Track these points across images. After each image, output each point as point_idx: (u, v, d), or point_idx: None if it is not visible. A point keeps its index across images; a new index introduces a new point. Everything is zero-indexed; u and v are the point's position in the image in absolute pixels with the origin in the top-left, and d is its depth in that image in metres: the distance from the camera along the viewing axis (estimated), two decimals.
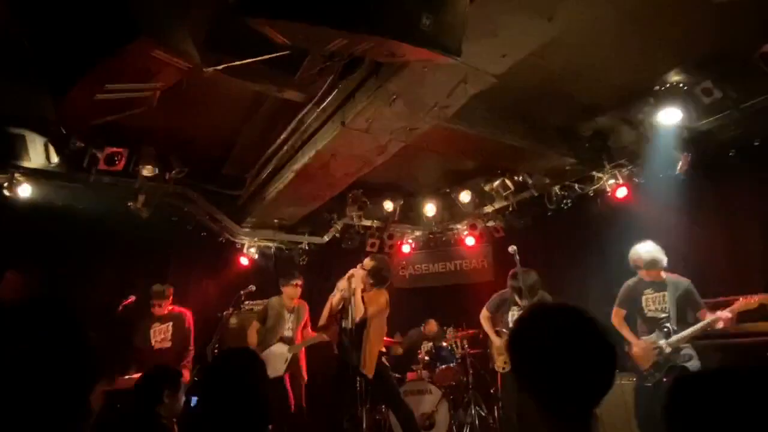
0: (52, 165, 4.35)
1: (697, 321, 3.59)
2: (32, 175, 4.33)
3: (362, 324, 3.96)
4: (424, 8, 1.99)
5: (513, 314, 4.54)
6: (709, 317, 3.52)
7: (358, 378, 3.79)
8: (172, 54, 2.16)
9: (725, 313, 3.45)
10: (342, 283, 4.04)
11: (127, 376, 4.15)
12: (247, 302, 5.05)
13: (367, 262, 4.18)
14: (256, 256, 5.77)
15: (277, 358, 4.65)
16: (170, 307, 4.62)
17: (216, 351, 4.17)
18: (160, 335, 4.55)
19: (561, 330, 1.02)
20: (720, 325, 3.47)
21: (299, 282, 4.95)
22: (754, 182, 4.34)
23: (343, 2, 1.83)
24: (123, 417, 2.42)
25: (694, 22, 3.36)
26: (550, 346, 1.00)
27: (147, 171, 4.62)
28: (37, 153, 4.19)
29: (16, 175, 4.25)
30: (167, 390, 2.48)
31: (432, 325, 6.14)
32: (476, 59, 2.85)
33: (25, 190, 4.29)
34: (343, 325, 4.00)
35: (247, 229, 5.66)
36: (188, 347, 4.57)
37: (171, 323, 4.59)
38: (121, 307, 4.33)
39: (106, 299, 4.57)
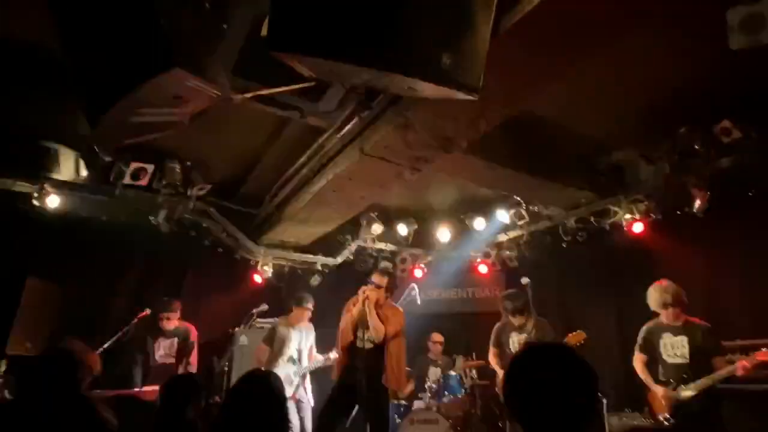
0: (81, 178, 4.52)
1: (713, 367, 3.49)
2: (61, 186, 4.50)
3: (382, 344, 3.93)
4: (445, 48, 2.07)
5: (512, 339, 4.53)
6: (727, 367, 3.42)
7: (364, 398, 3.79)
8: (204, 83, 2.27)
9: (744, 363, 3.35)
10: (356, 304, 4.03)
11: (136, 389, 4.20)
12: (258, 320, 5.07)
13: (380, 278, 4.12)
14: (270, 275, 5.83)
15: (284, 380, 4.64)
16: (177, 323, 4.63)
17: (226, 369, 4.20)
18: (164, 350, 4.56)
19: (547, 367, 1.15)
20: (739, 373, 3.39)
21: (310, 306, 4.93)
22: None
23: (368, 42, 1.92)
24: (157, 428, 2.43)
25: (712, 60, 3.39)
26: (537, 380, 1.13)
27: (170, 187, 4.77)
28: (68, 166, 4.36)
29: (46, 185, 4.43)
30: (192, 402, 2.53)
31: (437, 338, 6.09)
32: (494, 95, 2.91)
33: (53, 201, 4.46)
34: (358, 345, 3.98)
35: (262, 248, 5.75)
36: (189, 362, 4.55)
37: (176, 338, 4.60)
38: (136, 320, 4.41)
39: (123, 310, 4.66)
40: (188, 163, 4.81)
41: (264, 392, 1.70)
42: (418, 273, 6.87)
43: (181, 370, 4.43)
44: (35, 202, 4.40)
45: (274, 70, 2.86)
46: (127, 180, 4.55)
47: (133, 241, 5.19)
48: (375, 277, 4.14)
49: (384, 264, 6.27)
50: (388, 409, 4.05)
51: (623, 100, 3.87)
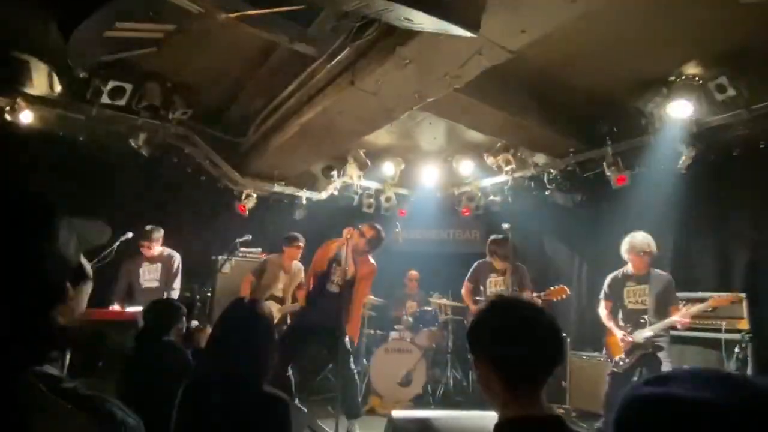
0: (55, 94, 4.30)
1: (669, 315, 3.73)
2: (34, 102, 4.29)
3: (349, 286, 4.02)
4: None
5: (491, 280, 4.68)
6: (673, 316, 3.68)
7: (326, 337, 3.93)
8: None
9: (683, 320, 3.62)
10: (336, 243, 4.09)
11: (111, 308, 4.28)
12: (242, 250, 5.12)
13: (368, 229, 4.13)
14: (253, 205, 5.81)
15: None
16: (160, 249, 4.65)
17: (208, 295, 4.29)
18: (149, 275, 4.62)
19: (513, 314, 1.21)
20: (678, 325, 3.67)
21: (301, 244, 4.93)
22: (754, 184, 4.37)
23: None
24: (138, 347, 2.52)
25: (718, 16, 3.29)
26: (504, 325, 1.19)
27: (150, 108, 4.58)
28: (41, 80, 4.13)
29: (18, 99, 4.21)
30: (173, 324, 2.61)
31: (413, 275, 6.33)
32: (494, 33, 2.80)
33: (26, 117, 4.26)
34: (327, 286, 4.08)
35: (246, 178, 5.69)
36: (172, 287, 4.62)
37: (160, 264, 4.65)
38: (117, 242, 4.40)
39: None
40: (169, 85, 4.60)
41: (252, 318, 1.75)
42: (401, 212, 6.94)
43: (164, 295, 4.52)
44: (7, 117, 4.20)
45: None
46: (104, 99, 4.35)
47: (113, 163, 5.06)
48: (364, 227, 4.13)
49: (367, 205, 6.33)
50: (349, 347, 4.04)
51: (620, 49, 3.76)
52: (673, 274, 4.00)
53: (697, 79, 4.01)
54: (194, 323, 3.84)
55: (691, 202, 4.66)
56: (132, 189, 5.20)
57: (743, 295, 3.99)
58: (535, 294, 4.33)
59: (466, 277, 4.84)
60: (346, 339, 3.92)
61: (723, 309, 3.76)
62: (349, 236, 3.92)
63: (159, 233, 4.63)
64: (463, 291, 4.87)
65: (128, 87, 4.41)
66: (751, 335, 3.89)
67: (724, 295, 3.77)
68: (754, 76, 3.83)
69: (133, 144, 4.89)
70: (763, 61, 3.64)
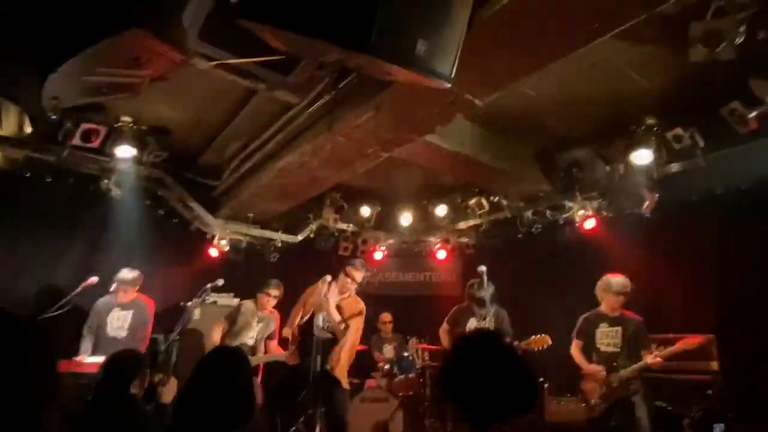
0: (25, 135, 4.22)
1: (641, 359, 3.77)
2: (2, 143, 4.18)
3: (337, 330, 3.90)
4: (421, 34, 2.05)
5: (471, 325, 4.64)
6: (646, 359, 3.73)
7: (315, 384, 3.76)
8: (167, 46, 2.16)
9: (657, 360, 3.67)
10: (319, 288, 3.93)
11: (78, 359, 4.04)
12: (213, 295, 4.95)
13: (358, 273, 4.04)
14: (227, 249, 5.70)
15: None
16: (134, 296, 4.45)
17: (175, 343, 4.08)
18: (118, 322, 4.37)
19: (484, 356, 1.20)
20: (652, 366, 3.71)
21: (277, 293, 4.67)
22: (714, 229, 4.58)
23: (342, 20, 1.87)
24: (96, 401, 2.34)
25: (671, 73, 3.56)
26: (473, 367, 1.18)
27: (123, 151, 4.53)
28: (11, 122, 4.05)
29: None
30: (135, 378, 2.46)
31: (386, 318, 6.21)
32: (465, 84, 2.94)
33: None
34: (315, 333, 3.94)
35: (219, 221, 5.61)
36: (143, 340, 4.37)
37: (132, 311, 4.42)
38: (81, 288, 4.21)
39: (70, 278, 4.43)
40: (144, 128, 4.58)
41: (235, 367, 1.67)
42: (377, 255, 6.93)
43: (133, 345, 4.29)
44: None
45: (243, 38, 2.75)
46: (76, 141, 4.28)
47: (82, 206, 4.92)
48: (356, 271, 4.03)
49: (343, 249, 6.29)
50: (342, 395, 3.97)
51: (585, 100, 4.00)
52: (643, 315, 4.08)
53: (655, 129, 4.26)
54: (157, 376, 3.62)
55: (657, 246, 4.83)
56: (99, 232, 5.04)
57: (712, 336, 4.09)
58: (516, 342, 4.30)
59: (445, 319, 4.80)
60: (340, 386, 3.85)
61: (694, 350, 3.82)
62: (330, 281, 3.87)
63: (140, 279, 4.44)
64: (441, 334, 4.81)
65: (102, 129, 4.37)
66: (722, 377, 3.95)
67: (694, 338, 3.84)
68: (706, 127, 4.09)
69: (103, 186, 4.79)
70: (714, 114, 3.91)
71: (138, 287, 4.45)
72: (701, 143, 4.14)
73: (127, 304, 4.41)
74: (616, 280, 3.95)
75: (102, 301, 4.41)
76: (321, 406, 3.81)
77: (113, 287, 4.36)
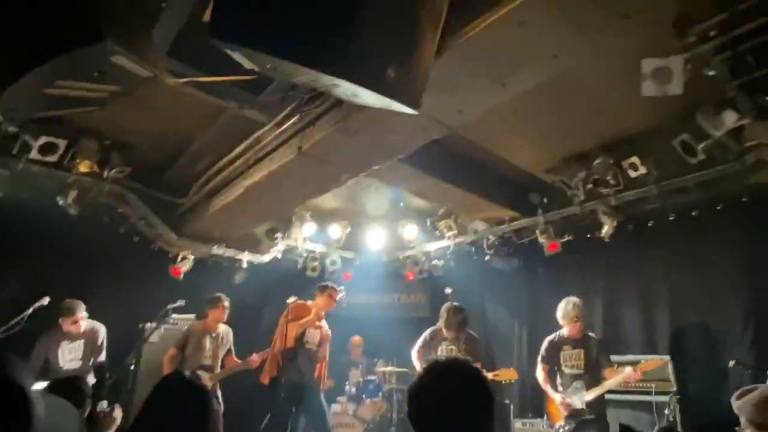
0: None
1: (603, 378, 3.86)
2: None
3: (317, 348, 4.62)
4: (391, 60, 2.11)
5: (442, 349, 4.64)
6: (617, 376, 3.80)
7: (300, 394, 4.36)
8: (134, 61, 2.13)
9: (635, 375, 3.75)
10: (303, 313, 4.50)
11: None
12: (173, 317, 4.77)
13: (339, 295, 4.67)
14: (190, 268, 5.53)
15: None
16: (83, 323, 4.20)
17: (132, 368, 3.90)
18: (70, 354, 4.14)
19: (445, 385, 1.21)
20: (632, 379, 3.81)
21: (226, 305, 4.70)
22: (669, 252, 4.81)
23: (313, 43, 1.91)
24: None
25: (626, 104, 3.77)
26: (440, 396, 1.18)
27: (84, 166, 4.38)
28: None
29: None
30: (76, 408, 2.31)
31: (356, 341, 6.16)
32: (434, 111, 3.02)
33: None
34: (307, 347, 4.53)
35: (184, 239, 5.45)
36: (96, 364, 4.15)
37: (83, 341, 4.19)
38: (32, 309, 3.98)
39: (20, 299, 4.16)
40: (108, 143, 4.45)
41: (190, 398, 1.58)
42: (346, 276, 6.87)
43: (90, 374, 4.06)
44: None
45: (213, 56, 2.75)
46: (34, 155, 4.11)
47: (36, 223, 4.68)
48: (339, 294, 4.66)
49: (311, 269, 6.33)
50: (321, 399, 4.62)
51: (549, 130, 4.17)
52: (604, 337, 4.20)
53: (612, 157, 4.46)
54: (102, 405, 3.39)
55: (615, 269, 5.01)
56: (54, 250, 4.80)
57: (668, 358, 4.24)
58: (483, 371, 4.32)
59: (419, 341, 4.79)
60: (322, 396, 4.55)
61: (652, 372, 3.95)
62: (319, 308, 4.54)
63: (83, 307, 4.20)
64: (414, 354, 4.78)
65: (62, 143, 4.22)
66: (678, 396, 4.09)
67: (651, 362, 3.96)
68: (660, 156, 4.33)
69: (60, 202, 4.59)
70: (666, 144, 4.14)
71: (83, 316, 4.21)
72: (654, 172, 4.37)
73: (77, 334, 4.18)
74: (572, 307, 4.05)
75: (47, 336, 4.15)
76: (306, 417, 4.44)
77: (60, 320, 4.10)
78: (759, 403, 1.61)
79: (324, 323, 4.75)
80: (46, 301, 4.07)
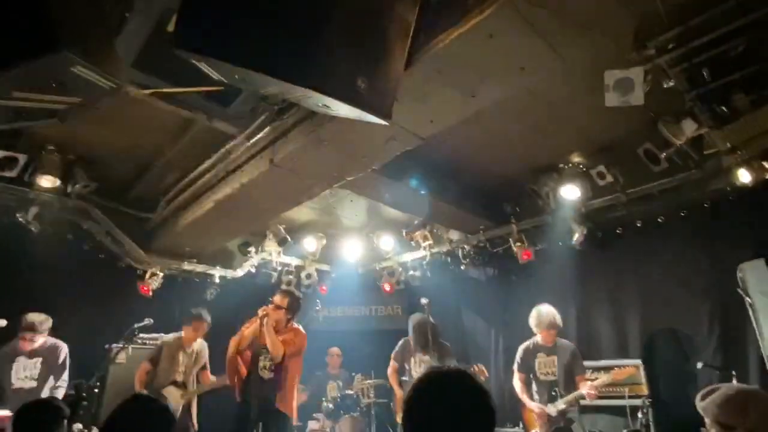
0: None
1: (576, 385, 3.91)
2: None
3: (279, 365, 3.82)
4: (360, 71, 2.11)
5: (414, 360, 4.64)
6: (580, 388, 3.86)
7: (262, 421, 3.62)
8: (95, 72, 2.06)
9: (590, 391, 3.80)
10: (252, 325, 3.84)
11: None
12: (141, 337, 4.60)
13: (281, 299, 3.96)
14: (159, 286, 5.35)
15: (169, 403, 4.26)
16: (43, 340, 3.99)
17: (96, 389, 3.72)
18: (25, 372, 3.91)
19: (447, 393, 1.16)
20: (586, 398, 3.84)
21: (202, 324, 4.55)
22: (637, 259, 4.93)
23: (281, 53, 1.89)
24: None
25: (594, 114, 3.88)
26: (438, 408, 1.13)
27: (46, 181, 4.22)
28: None
29: None
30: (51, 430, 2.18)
31: (334, 352, 6.06)
32: (406, 121, 3.04)
33: None
34: (259, 368, 3.82)
35: (152, 256, 5.29)
36: (57, 384, 3.95)
37: (40, 359, 3.96)
38: None
39: None
40: (71, 157, 4.30)
41: (150, 420, 1.51)
42: (322, 289, 6.79)
43: (46, 394, 3.85)
44: None
45: (181, 68, 2.70)
46: None
47: None
48: (277, 298, 3.97)
49: (286, 283, 6.08)
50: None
51: (519, 141, 4.25)
52: (577, 344, 4.26)
53: (581, 166, 4.58)
54: (77, 427, 3.26)
55: (587, 276, 5.11)
56: (11, 269, 4.57)
57: (639, 362, 4.32)
58: None
59: (392, 356, 4.76)
60: (289, 423, 3.77)
61: (624, 378, 4.01)
62: (264, 314, 3.72)
63: (48, 323, 3.98)
64: (389, 371, 4.76)
65: (21, 157, 4.05)
66: (650, 400, 4.16)
67: (623, 368, 4.02)
68: (626, 164, 4.46)
69: (21, 219, 4.40)
70: (632, 152, 4.28)
71: (47, 332, 4.01)
72: (621, 180, 4.50)
73: (35, 350, 3.96)
74: (545, 316, 4.09)
75: (3, 351, 3.93)
76: None
77: (19, 334, 3.88)
78: (722, 404, 1.64)
79: (286, 336, 3.98)
80: (3, 323, 3.86)
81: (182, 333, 4.54)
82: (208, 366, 4.69)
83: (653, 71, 2.93)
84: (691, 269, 4.51)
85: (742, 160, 3.78)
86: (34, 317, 3.95)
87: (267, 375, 3.81)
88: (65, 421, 2.41)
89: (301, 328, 4.04)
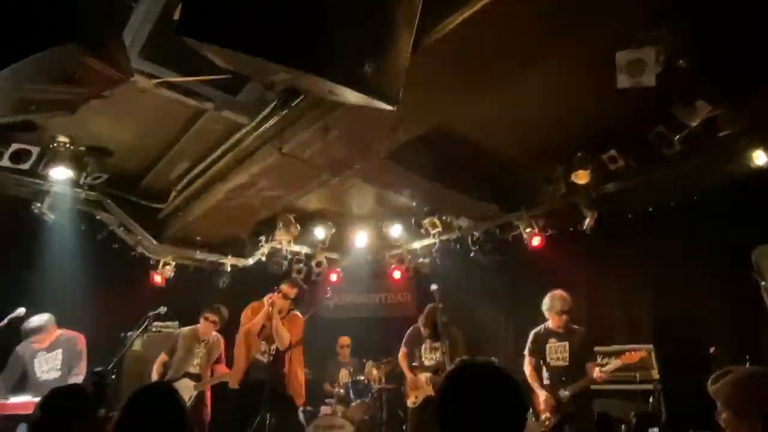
0: None
1: (586, 371, 3.89)
2: None
3: (284, 353, 3.95)
4: (368, 56, 2.09)
5: (425, 347, 4.68)
6: (591, 374, 3.84)
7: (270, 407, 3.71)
8: (103, 63, 2.07)
9: (599, 374, 3.78)
10: (255, 312, 3.93)
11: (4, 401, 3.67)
12: (155, 325, 4.69)
13: (289, 289, 4.09)
14: (171, 275, 5.44)
15: (182, 394, 4.33)
16: (58, 333, 4.09)
17: (114, 376, 3.81)
18: (48, 364, 4.02)
19: (482, 385, 1.17)
20: (597, 378, 3.82)
21: (214, 318, 4.58)
22: (649, 243, 4.88)
23: (287, 39, 1.88)
24: None
25: (605, 97, 3.81)
26: (473, 400, 1.15)
27: (59, 173, 4.28)
28: None
29: None
30: (76, 415, 2.24)
31: (344, 342, 6.12)
32: (414, 108, 3.00)
33: None
34: (258, 357, 3.94)
35: (164, 245, 5.36)
36: (76, 372, 4.04)
37: (60, 350, 4.07)
38: (6, 320, 3.87)
39: None
40: (82, 149, 4.35)
41: (165, 409, 1.55)
42: (332, 277, 6.84)
43: (69, 381, 3.96)
44: None
45: (188, 57, 2.70)
46: (5, 162, 4.00)
47: (11, 232, 4.55)
48: (285, 287, 4.10)
49: (296, 271, 6.15)
50: (298, 416, 4.08)
51: (528, 126, 4.20)
52: (588, 329, 4.24)
53: (592, 151, 4.51)
54: (101, 412, 3.33)
55: (599, 261, 5.08)
56: (30, 259, 4.68)
57: (650, 347, 4.30)
58: None
59: (403, 341, 4.81)
60: (296, 408, 3.97)
61: (636, 362, 4.00)
62: (270, 302, 3.80)
63: (50, 317, 4.07)
64: (400, 356, 4.81)
65: (34, 150, 4.11)
66: (662, 384, 4.16)
67: (634, 352, 4.01)
68: (638, 148, 4.39)
69: (35, 210, 4.48)
70: (643, 136, 4.21)
71: (54, 328, 4.10)
72: (633, 165, 4.43)
73: (53, 343, 4.07)
74: (558, 300, 4.07)
75: (22, 347, 4.04)
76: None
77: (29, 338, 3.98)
78: (734, 387, 1.63)
79: (290, 324, 4.21)
80: (22, 312, 3.96)
81: (199, 325, 4.60)
82: (222, 358, 4.75)
83: (665, 51, 2.86)
84: (704, 253, 4.46)
85: (758, 142, 3.70)
86: (35, 322, 4.00)
87: (267, 360, 3.94)
88: (90, 406, 2.46)
89: (299, 314, 4.19)
